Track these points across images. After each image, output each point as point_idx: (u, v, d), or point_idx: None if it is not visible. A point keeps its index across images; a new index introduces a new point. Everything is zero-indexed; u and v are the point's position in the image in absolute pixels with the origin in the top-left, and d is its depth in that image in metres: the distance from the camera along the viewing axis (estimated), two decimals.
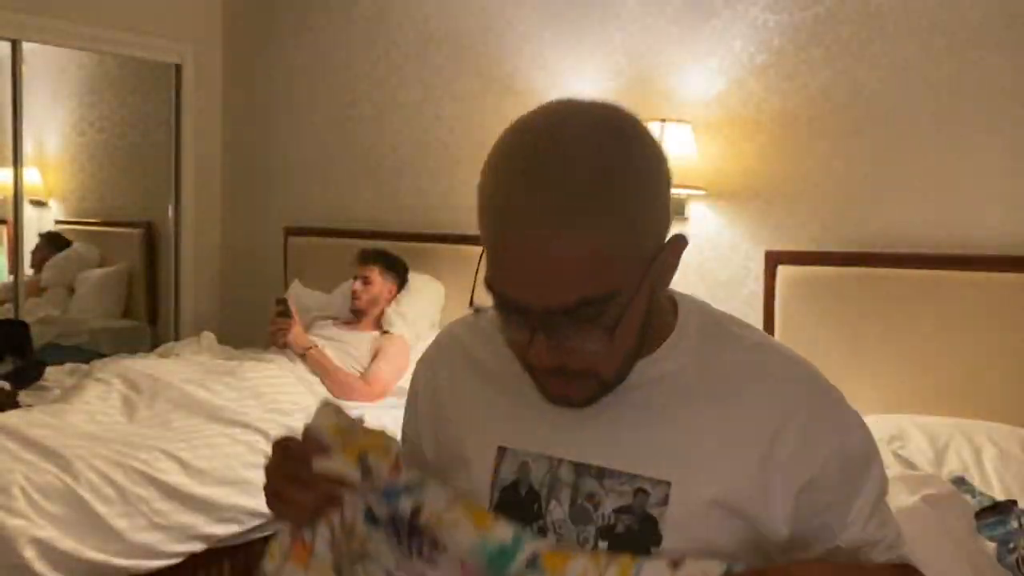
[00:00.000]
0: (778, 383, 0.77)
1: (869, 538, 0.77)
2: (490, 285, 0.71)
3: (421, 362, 0.94)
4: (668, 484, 0.74)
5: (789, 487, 0.74)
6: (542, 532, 0.76)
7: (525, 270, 0.67)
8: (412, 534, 0.74)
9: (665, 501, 0.73)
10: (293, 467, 0.74)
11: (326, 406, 0.75)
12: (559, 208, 0.65)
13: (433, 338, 0.95)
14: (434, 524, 0.72)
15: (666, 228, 0.73)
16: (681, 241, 0.74)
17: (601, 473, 0.76)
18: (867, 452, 0.78)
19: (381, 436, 0.74)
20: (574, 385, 0.74)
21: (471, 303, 0.74)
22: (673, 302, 0.82)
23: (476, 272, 0.69)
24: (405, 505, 0.73)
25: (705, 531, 0.73)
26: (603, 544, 0.74)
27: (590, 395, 0.75)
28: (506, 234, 0.68)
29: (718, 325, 0.81)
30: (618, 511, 0.75)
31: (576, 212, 0.65)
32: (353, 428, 0.75)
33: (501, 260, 0.69)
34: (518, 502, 0.78)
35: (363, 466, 0.72)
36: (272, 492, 0.76)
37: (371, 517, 0.75)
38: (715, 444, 0.75)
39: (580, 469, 0.76)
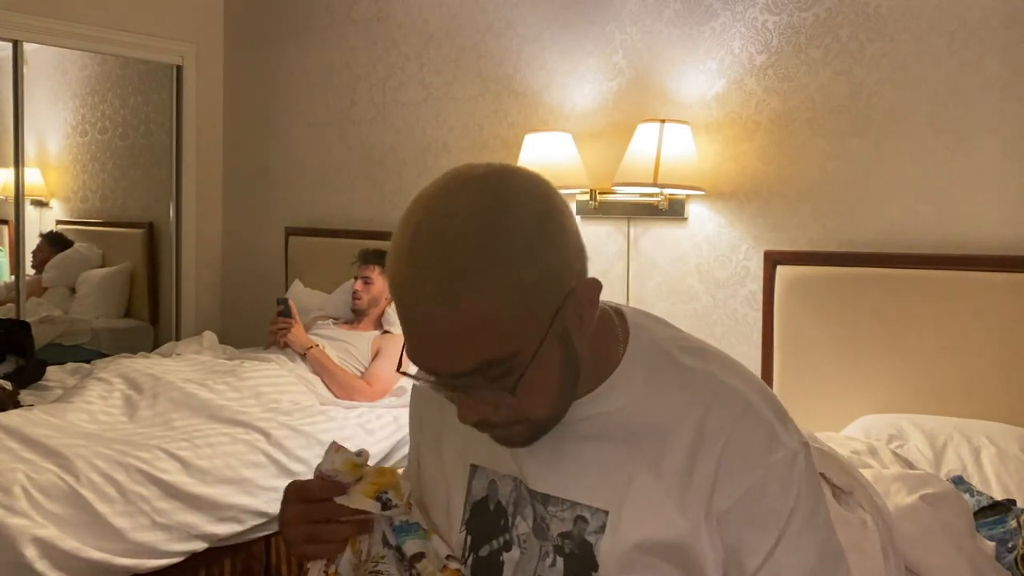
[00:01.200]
0: (712, 415, 0.75)
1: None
2: (414, 363, 0.74)
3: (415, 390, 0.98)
4: (606, 513, 0.76)
5: (710, 519, 0.73)
6: (508, 546, 0.82)
7: (422, 342, 0.70)
8: (410, 570, 0.80)
9: (602, 529, 0.76)
10: (318, 510, 0.79)
11: (336, 450, 0.80)
12: (439, 286, 0.67)
13: None
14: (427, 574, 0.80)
15: (564, 281, 0.72)
16: (591, 286, 0.74)
17: (546, 500, 0.80)
18: (789, 499, 0.73)
19: (394, 474, 0.80)
20: (506, 432, 0.77)
21: (399, 367, 0.78)
22: (627, 334, 0.82)
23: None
24: (410, 546, 0.80)
25: (638, 566, 0.75)
26: (559, 560, 0.78)
27: (528, 435, 0.77)
28: (401, 308, 0.71)
29: (668, 359, 0.80)
30: (562, 535, 0.78)
31: (457, 288, 0.67)
32: (364, 465, 0.80)
33: (405, 331, 0.72)
34: (487, 516, 0.84)
35: (382, 501, 0.78)
36: (302, 537, 0.80)
37: (384, 540, 0.81)
38: (650, 479, 0.75)
39: (531, 494, 0.81)
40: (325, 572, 0.80)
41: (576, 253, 0.73)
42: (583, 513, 0.77)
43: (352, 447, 0.83)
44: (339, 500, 0.78)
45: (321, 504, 0.79)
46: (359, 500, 0.78)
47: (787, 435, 0.76)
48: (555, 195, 0.73)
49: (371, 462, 0.83)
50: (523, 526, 0.81)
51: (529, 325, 0.70)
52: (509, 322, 0.68)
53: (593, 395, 0.80)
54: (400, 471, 0.83)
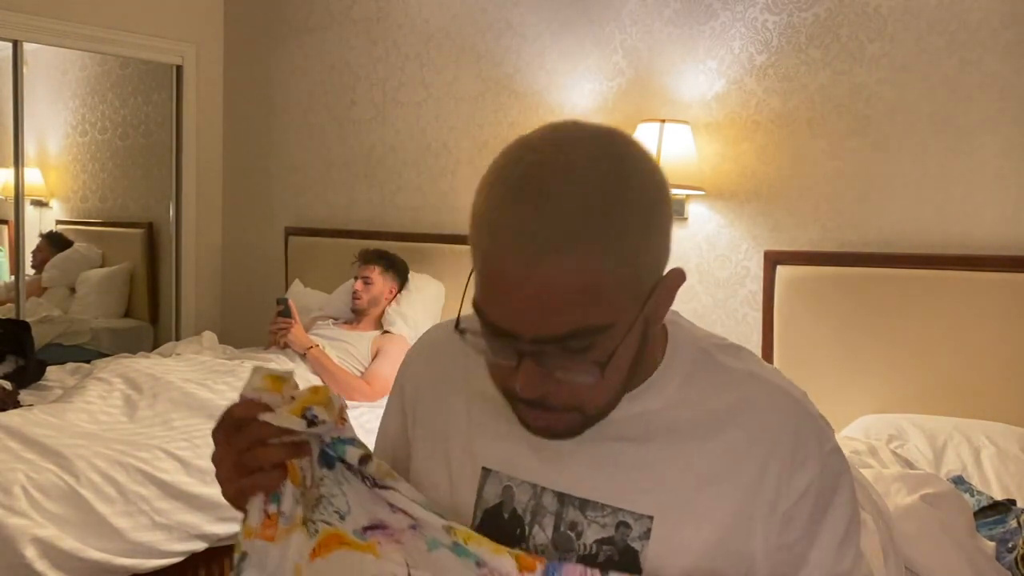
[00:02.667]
0: (762, 415, 0.74)
1: (837, 571, 0.74)
2: (478, 308, 0.67)
3: (411, 356, 0.91)
4: (651, 519, 0.73)
5: (770, 522, 0.72)
6: None
7: (516, 295, 0.63)
8: (362, 479, 0.74)
9: (647, 535, 0.73)
10: (243, 436, 0.69)
11: (257, 370, 0.71)
12: (558, 230, 0.62)
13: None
14: (384, 473, 0.72)
15: (664, 262, 0.69)
16: (679, 276, 0.71)
17: (584, 504, 0.75)
18: (837, 481, 0.75)
19: (324, 391, 0.71)
20: (556, 418, 0.71)
21: (457, 325, 0.73)
22: (665, 332, 0.79)
23: (464, 291, 0.65)
24: (352, 453, 0.72)
25: (686, 568, 0.72)
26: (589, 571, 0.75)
27: (572, 429, 0.72)
28: (498, 255, 0.64)
29: (708, 358, 0.78)
30: (600, 542, 0.74)
31: (575, 237, 0.62)
32: (291, 383, 0.71)
33: (491, 283, 0.65)
34: (501, 524, 0.77)
35: (308, 418, 0.69)
36: (231, 470, 0.70)
37: (325, 459, 0.73)
38: (698, 482, 0.73)
39: (563, 499, 0.75)
40: (265, 512, 0.70)
41: (670, 234, 0.69)
42: (625, 519, 0.73)
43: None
44: (263, 417, 0.69)
45: (245, 429, 0.69)
46: (283, 418, 0.68)
47: (827, 427, 0.77)
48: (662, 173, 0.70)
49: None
50: (541, 536, 0.75)
51: (628, 301, 0.66)
52: (614, 291, 0.64)
53: (633, 394, 0.75)
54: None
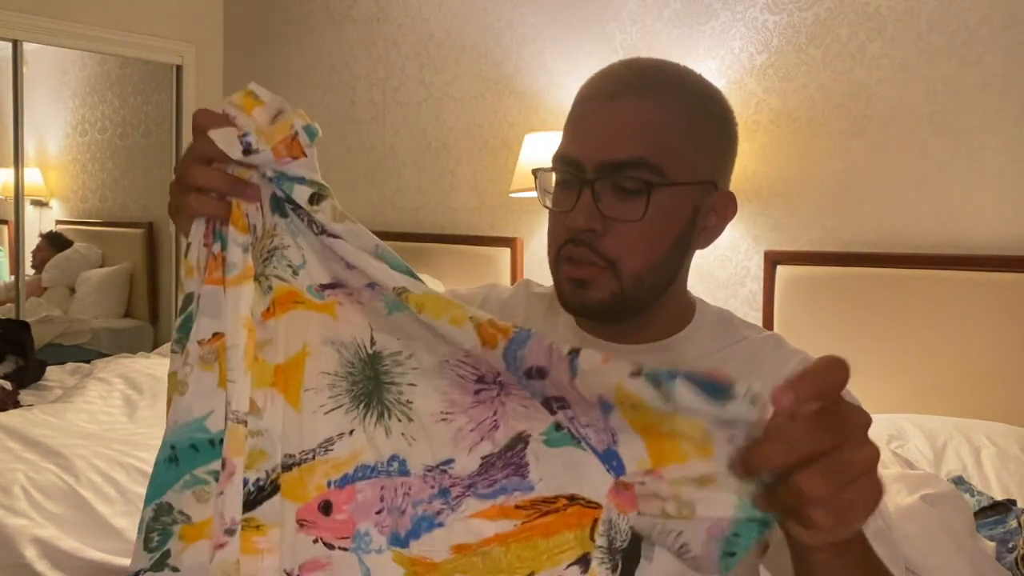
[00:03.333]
0: (783, 365, 0.76)
1: None
2: (556, 154, 0.77)
3: (508, 288, 0.93)
4: None
5: None
6: None
7: (592, 122, 0.74)
8: (310, 223, 0.63)
9: None
10: (194, 146, 0.63)
11: (252, 84, 0.63)
12: (640, 78, 0.74)
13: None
14: (338, 216, 0.62)
15: (723, 170, 0.79)
16: (734, 200, 0.79)
17: None
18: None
19: (292, 117, 0.62)
20: (593, 273, 0.74)
21: (534, 170, 0.82)
22: (693, 302, 0.85)
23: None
24: (301, 192, 0.62)
25: None
26: None
27: (604, 295, 0.75)
28: (587, 94, 0.76)
29: (732, 325, 0.83)
30: None
31: (654, 85, 0.74)
32: (269, 107, 0.62)
33: (573, 121, 0.77)
34: None
35: (243, 144, 0.60)
36: (179, 183, 0.64)
37: (278, 206, 0.64)
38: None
39: None
40: (209, 250, 0.63)
41: (732, 170, 0.80)
42: None
43: None
44: (210, 132, 0.60)
45: (198, 138, 0.62)
46: (221, 136, 0.60)
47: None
48: None
49: None
50: None
51: (685, 166, 0.74)
52: (678, 142, 0.73)
53: (666, 343, 0.80)
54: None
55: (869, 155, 2.29)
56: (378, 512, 0.60)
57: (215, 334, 0.62)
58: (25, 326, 3.14)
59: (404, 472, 0.60)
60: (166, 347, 3.32)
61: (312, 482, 0.61)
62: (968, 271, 2.08)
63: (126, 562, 2.04)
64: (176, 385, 0.62)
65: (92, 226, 4.20)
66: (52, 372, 3.00)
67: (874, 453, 0.46)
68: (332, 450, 0.61)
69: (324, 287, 0.63)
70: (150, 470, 2.04)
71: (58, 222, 4.19)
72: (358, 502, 0.61)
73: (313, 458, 0.61)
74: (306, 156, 0.62)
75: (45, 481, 2.00)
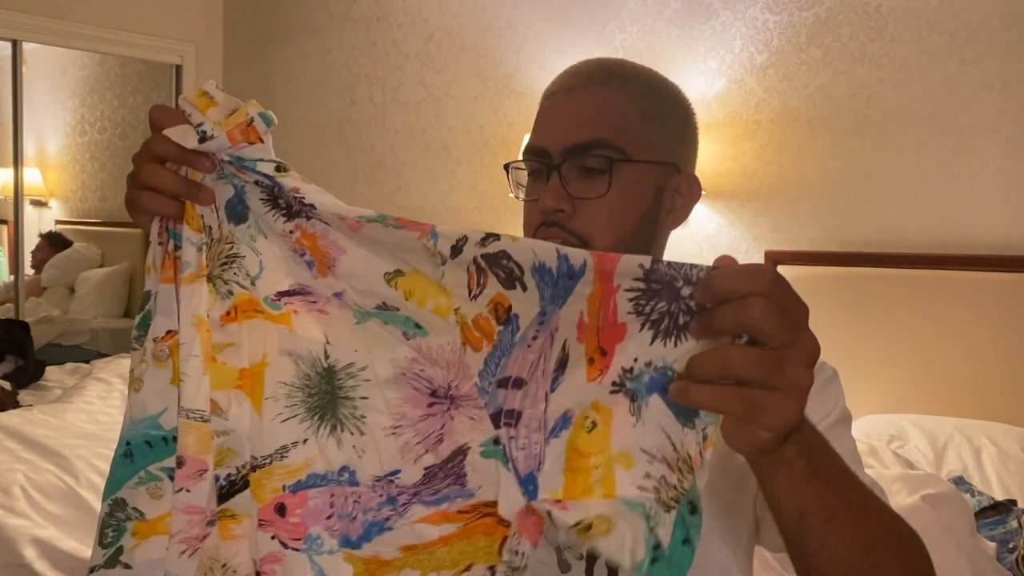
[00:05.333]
0: None
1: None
2: (524, 153, 0.81)
3: None
4: None
5: None
6: None
7: (556, 113, 0.79)
8: (287, 196, 0.62)
9: None
10: (149, 144, 0.63)
11: (207, 83, 0.63)
12: (601, 72, 0.79)
13: None
14: (304, 189, 0.61)
15: (685, 152, 0.82)
16: (697, 182, 0.83)
17: None
18: (839, 397, 0.82)
19: (247, 106, 0.62)
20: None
21: (506, 165, 0.87)
22: None
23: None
24: (265, 166, 0.61)
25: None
26: None
27: None
28: (552, 91, 0.81)
29: None
30: None
31: (613, 77, 0.79)
32: (223, 108, 0.62)
33: (540, 115, 0.81)
34: None
35: (199, 132, 0.60)
36: (133, 181, 0.65)
37: (234, 213, 0.64)
38: None
39: None
40: (164, 248, 0.63)
41: (695, 157, 0.84)
42: None
43: None
44: (165, 130, 0.61)
45: (153, 137, 0.63)
46: (177, 130, 0.60)
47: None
48: None
49: None
50: None
51: (646, 143, 0.78)
52: (636, 125, 0.77)
53: None
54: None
55: (869, 155, 2.29)
56: (328, 518, 0.64)
57: (168, 332, 0.63)
58: (24, 326, 3.14)
59: (354, 483, 0.63)
60: None
61: (269, 485, 0.64)
62: (968, 271, 2.08)
63: None
64: (132, 381, 0.63)
65: (91, 226, 4.20)
66: (51, 372, 3.00)
67: (808, 378, 0.48)
68: (287, 457, 0.64)
69: (281, 295, 0.65)
70: None
71: (57, 222, 4.19)
72: (309, 508, 0.64)
73: (270, 463, 0.64)
74: (263, 142, 0.62)
75: (44, 481, 1.99)
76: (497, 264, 0.56)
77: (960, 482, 1.71)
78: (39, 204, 4.12)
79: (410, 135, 3.36)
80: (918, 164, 2.22)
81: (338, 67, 3.60)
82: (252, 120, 0.61)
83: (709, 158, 2.53)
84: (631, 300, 0.51)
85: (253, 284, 0.64)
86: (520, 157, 0.83)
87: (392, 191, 3.44)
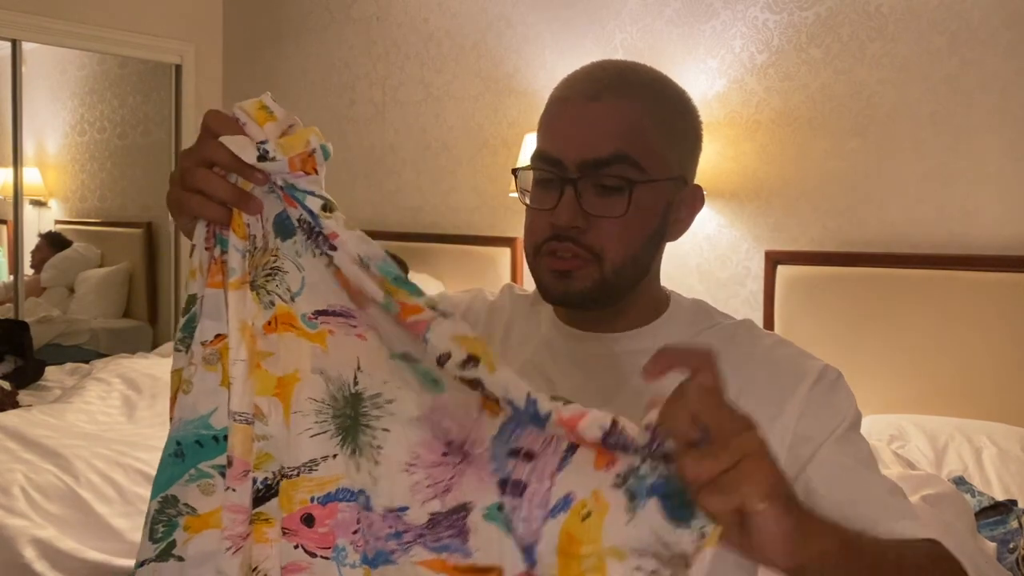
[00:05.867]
0: (758, 357, 0.79)
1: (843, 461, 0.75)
2: (536, 152, 0.78)
3: (494, 292, 0.95)
4: None
5: (794, 442, 0.74)
6: None
7: (573, 123, 0.76)
8: (315, 238, 0.64)
9: None
10: (204, 148, 0.63)
11: (265, 95, 0.64)
12: (617, 79, 0.76)
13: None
14: (344, 224, 0.63)
15: (692, 167, 0.82)
16: (700, 195, 0.82)
17: None
18: (836, 382, 0.78)
19: (306, 132, 0.63)
20: (577, 264, 0.76)
21: (514, 169, 0.82)
22: (667, 293, 0.87)
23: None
24: (313, 202, 0.63)
25: None
26: None
27: (587, 285, 0.77)
28: (566, 95, 0.78)
29: (706, 311, 0.86)
30: None
31: (630, 86, 0.76)
32: (281, 121, 0.63)
33: (554, 120, 0.78)
34: None
35: (260, 151, 0.61)
36: (180, 182, 0.65)
37: (282, 227, 0.65)
38: None
39: None
40: (211, 254, 0.64)
41: (696, 167, 0.83)
42: None
43: None
44: (222, 138, 0.61)
45: (208, 142, 0.62)
46: (236, 141, 0.60)
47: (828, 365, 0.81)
48: None
49: None
50: None
51: (662, 158, 0.76)
52: (654, 140, 0.76)
53: (642, 331, 0.82)
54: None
55: (870, 155, 2.29)
56: (354, 532, 0.65)
57: (217, 335, 0.64)
58: (24, 326, 3.14)
59: (368, 507, 0.64)
60: (165, 347, 3.31)
61: (296, 496, 0.65)
62: (968, 271, 2.08)
63: (125, 562, 2.04)
64: (181, 383, 0.64)
65: (91, 226, 4.20)
66: (51, 372, 3.00)
67: (753, 439, 0.50)
68: (316, 470, 0.65)
69: (319, 313, 0.65)
70: (149, 471, 2.03)
71: (57, 222, 4.19)
72: (338, 520, 0.65)
73: (298, 475, 0.65)
74: (317, 174, 0.63)
75: (44, 481, 1.99)
76: (477, 386, 0.59)
77: (960, 482, 1.71)
78: (38, 204, 4.12)
79: (410, 135, 3.36)
80: (918, 164, 2.22)
81: (338, 67, 3.60)
82: (313, 151, 0.62)
83: (709, 158, 2.53)
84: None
85: (292, 300, 0.65)
86: (528, 160, 0.81)
87: (392, 191, 3.44)
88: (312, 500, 0.65)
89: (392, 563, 0.63)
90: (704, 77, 2.55)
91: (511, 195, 2.82)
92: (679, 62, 2.60)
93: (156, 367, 2.68)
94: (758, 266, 2.47)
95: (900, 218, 2.25)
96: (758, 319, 2.44)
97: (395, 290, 0.61)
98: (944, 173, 2.18)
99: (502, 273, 2.95)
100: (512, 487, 0.59)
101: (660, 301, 0.86)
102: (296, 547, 0.65)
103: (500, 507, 0.60)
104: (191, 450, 0.64)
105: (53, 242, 4.10)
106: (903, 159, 2.24)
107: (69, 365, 3.10)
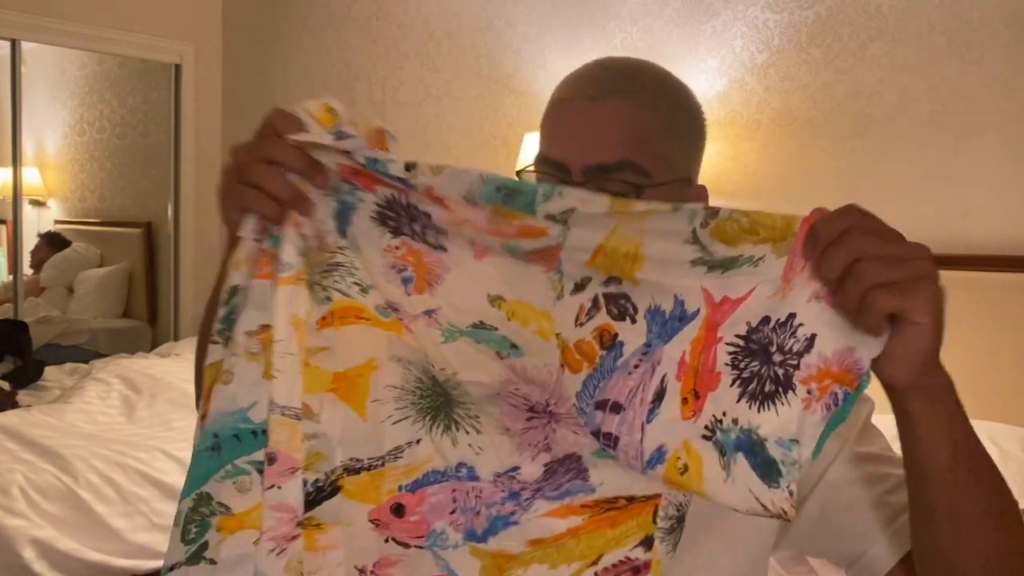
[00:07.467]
0: None
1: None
2: (538, 155, 0.76)
3: None
4: None
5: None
6: None
7: (578, 126, 0.73)
8: (410, 210, 0.63)
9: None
10: (265, 146, 0.62)
11: (330, 99, 0.64)
12: (621, 79, 0.74)
13: None
14: (435, 171, 0.61)
15: (696, 167, 0.81)
16: (704, 195, 0.81)
17: None
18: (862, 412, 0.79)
19: (372, 120, 0.63)
20: None
21: (517, 171, 0.80)
22: None
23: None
24: (396, 167, 0.60)
25: None
26: None
27: None
28: (569, 97, 0.75)
29: None
30: None
31: (635, 87, 0.73)
32: (342, 120, 0.62)
33: (557, 122, 0.75)
34: None
35: (337, 134, 0.61)
36: (235, 177, 0.64)
37: (342, 228, 0.65)
38: None
39: None
40: (259, 247, 0.63)
41: (700, 166, 0.82)
42: None
43: None
44: (290, 137, 0.60)
45: (271, 140, 0.62)
46: (311, 132, 0.60)
47: None
48: None
49: None
50: None
51: (668, 160, 0.75)
52: (660, 142, 0.74)
53: None
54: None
55: (870, 155, 2.29)
56: (451, 512, 0.64)
57: (262, 326, 0.62)
58: (23, 326, 3.14)
59: (474, 477, 0.64)
60: (165, 347, 3.31)
61: (383, 486, 0.64)
62: (968, 271, 2.07)
63: (125, 563, 2.04)
64: (220, 374, 0.62)
65: (90, 226, 4.20)
66: (50, 372, 3.00)
67: (931, 264, 0.55)
68: (401, 457, 0.64)
69: (388, 306, 0.66)
70: (149, 471, 2.03)
71: (56, 222, 4.18)
72: (431, 504, 0.64)
73: (383, 464, 0.64)
74: (388, 151, 0.63)
75: (43, 482, 1.99)
76: (614, 302, 0.59)
77: None
78: (38, 204, 4.12)
79: (410, 135, 3.36)
80: (918, 164, 2.22)
81: (338, 66, 3.60)
82: (384, 132, 0.63)
83: (709, 158, 2.52)
84: (730, 353, 0.55)
85: (365, 292, 0.65)
86: (531, 161, 0.79)
87: None
88: (400, 489, 0.64)
89: (514, 524, 0.63)
90: (704, 77, 2.55)
91: None
92: (679, 62, 2.60)
93: (155, 367, 2.68)
94: None
95: (900, 218, 2.23)
96: None
97: (509, 213, 0.59)
98: (943, 173, 2.18)
99: None
100: (604, 439, 0.59)
101: None
102: (387, 540, 0.64)
103: (603, 450, 0.60)
104: (228, 444, 0.61)
105: (52, 242, 4.10)
106: (903, 159, 2.24)
107: (68, 365, 3.10)
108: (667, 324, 0.57)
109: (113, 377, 2.56)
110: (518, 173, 0.81)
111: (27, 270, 3.88)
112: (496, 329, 0.62)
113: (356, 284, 0.65)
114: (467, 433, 0.64)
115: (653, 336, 0.57)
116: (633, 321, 0.58)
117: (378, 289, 0.65)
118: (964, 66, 2.14)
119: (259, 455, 0.62)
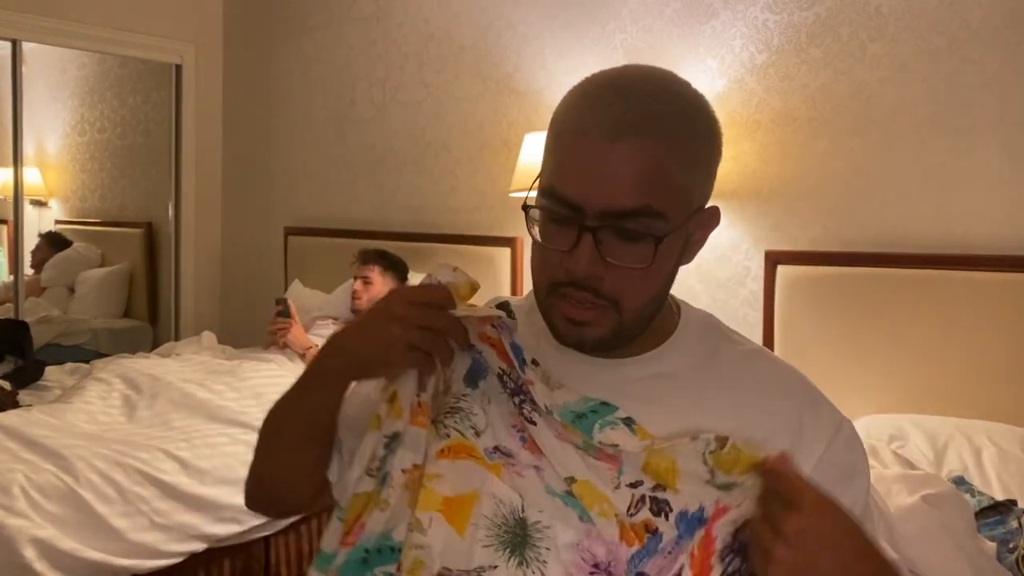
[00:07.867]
0: (770, 398, 0.78)
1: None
2: (550, 188, 0.73)
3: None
4: None
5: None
6: None
7: (596, 167, 0.70)
8: (518, 382, 0.78)
9: None
10: (430, 315, 0.75)
11: (455, 269, 0.79)
12: (641, 115, 0.69)
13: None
14: (542, 376, 0.77)
15: (709, 191, 0.78)
16: (717, 213, 0.78)
17: None
18: (853, 463, 0.77)
19: (473, 281, 0.80)
20: (594, 314, 0.74)
21: (524, 206, 0.78)
22: (677, 305, 0.85)
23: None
24: (528, 355, 0.78)
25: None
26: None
27: (605, 332, 0.75)
28: (585, 131, 0.71)
29: (717, 330, 0.84)
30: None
31: (655, 125, 0.70)
32: (475, 291, 0.79)
33: (572, 158, 0.71)
34: None
35: (501, 317, 0.77)
36: (404, 341, 0.75)
37: (471, 379, 0.80)
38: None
39: None
40: (417, 398, 0.78)
41: (714, 183, 0.79)
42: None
43: None
44: (458, 311, 0.76)
45: (434, 310, 0.75)
46: (479, 308, 0.77)
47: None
48: None
49: None
50: None
51: (682, 203, 0.73)
52: (679, 185, 0.72)
53: (649, 356, 0.80)
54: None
55: (870, 155, 2.29)
56: None
57: (415, 465, 0.77)
58: (24, 326, 3.14)
59: None
60: (165, 347, 3.31)
61: None
62: (968, 271, 2.08)
63: (125, 562, 2.04)
64: (378, 503, 0.77)
65: (91, 226, 4.20)
66: (51, 372, 3.00)
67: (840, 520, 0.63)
68: (484, 574, 0.76)
69: (497, 450, 0.79)
70: (149, 471, 2.02)
71: (57, 222, 4.19)
72: None
73: None
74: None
75: (44, 481, 1.99)
76: (655, 503, 0.73)
77: (960, 482, 1.71)
78: (39, 204, 4.12)
79: (410, 135, 3.36)
80: (918, 164, 2.22)
81: (338, 67, 3.60)
82: (478, 286, 0.80)
83: None
84: (719, 550, 0.70)
85: (477, 435, 0.79)
86: (535, 177, 0.77)
87: (392, 191, 3.44)
88: None
89: None
90: (704, 77, 2.55)
91: (511, 195, 2.82)
92: (679, 62, 2.60)
93: (156, 367, 2.68)
94: (758, 266, 2.47)
95: (900, 218, 2.25)
96: (758, 319, 2.45)
97: (574, 430, 0.75)
98: (943, 173, 2.18)
99: (502, 273, 2.95)
100: None
101: (669, 321, 0.83)
102: None
103: None
104: (375, 557, 0.77)
105: (53, 242, 4.10)
106: (903, 159, 2.24)
107: (69, 365, 3.10)
108: (690, 524, 0.72)
109: (114, 377, 2.56)
110: (525, 208, 0.77)
111: (28, 270, 3.88)
112: (580, 499, 0.75)
113: (472, 428, 0.79)
114: (534, 573, 0.75)
115: (682, 531, 0.72)
116: (667, 518, 0.73)
117: (496, 437, 0.79)
118: (964, 66, 2.14)
119: (391, 567, 0.77)
